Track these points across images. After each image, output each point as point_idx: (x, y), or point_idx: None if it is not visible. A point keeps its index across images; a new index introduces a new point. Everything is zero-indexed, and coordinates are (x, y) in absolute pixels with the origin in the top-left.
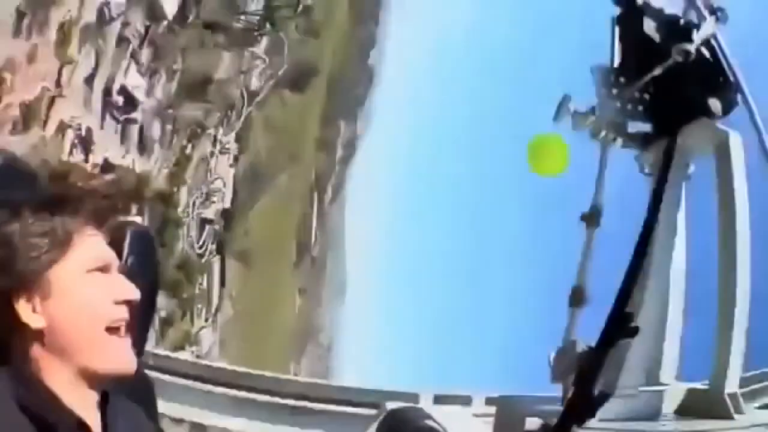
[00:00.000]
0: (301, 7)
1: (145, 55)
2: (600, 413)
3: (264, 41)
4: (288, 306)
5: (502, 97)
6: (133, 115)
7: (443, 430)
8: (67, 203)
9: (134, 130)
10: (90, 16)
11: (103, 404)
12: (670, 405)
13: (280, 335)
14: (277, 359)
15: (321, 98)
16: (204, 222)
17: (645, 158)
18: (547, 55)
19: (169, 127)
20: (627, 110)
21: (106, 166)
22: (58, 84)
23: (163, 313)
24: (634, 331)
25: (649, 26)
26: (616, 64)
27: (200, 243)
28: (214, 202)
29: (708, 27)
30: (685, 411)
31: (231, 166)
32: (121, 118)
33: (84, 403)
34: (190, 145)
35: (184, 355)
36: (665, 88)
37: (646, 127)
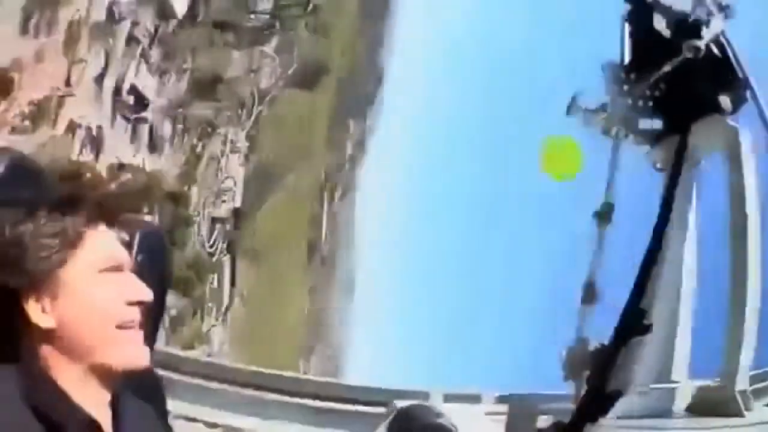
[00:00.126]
0: (310, 5)
1: (155, 54)
2: (612, 411)
3: (274, 40)
4: (298, 304)
5: (512, 94)
6: (144, 114)
7: (454, 428)
8: (78, 203)
9: (144, 129)
10: (99, 15)
11: (114, 403)
12: (681, 402)
13: (289, 333)
14: (286, 358)
15: (330, 97)
16: (214, 221)
17: (656, 154)
18: (559, 52)
19: (179, 126)
20: (638, 107)
21: (117, 166)
22: (67, 83)
23: (173, 312)
24: (648, 329)
25: (659, 23)
26: (626, 61)
27: (211, 242)
28: (224, 201)
29: (717, 23)
30: (695, 408)
31: (241, 165)
32: (132, 118)
33: (95, 402)
34: (200, 145)
35: (195, 354)
36: (675, 84)
37: (656, 123)
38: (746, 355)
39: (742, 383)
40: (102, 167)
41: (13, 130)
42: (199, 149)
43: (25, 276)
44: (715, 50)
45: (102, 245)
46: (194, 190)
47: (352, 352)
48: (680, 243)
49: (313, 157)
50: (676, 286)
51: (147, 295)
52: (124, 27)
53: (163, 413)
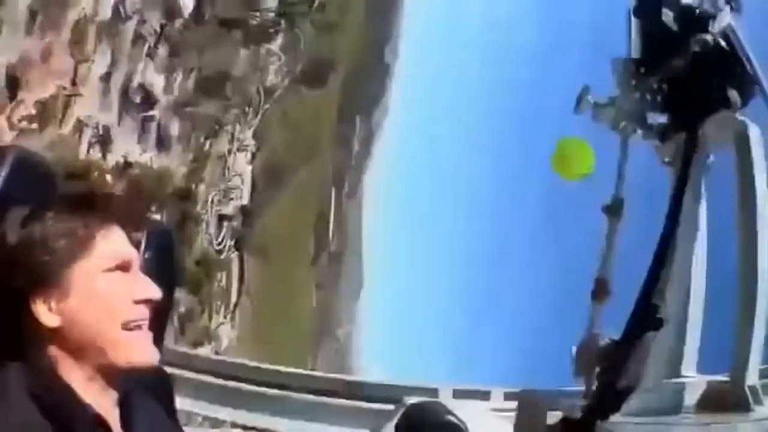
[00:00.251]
0: (316, 3)
1: (161, 52)
2: (622, 407)
3: (280, 38)
4: (305, 301)
5: (521, 92)
6: (151, 112)
7: (464, 425)
8: (86, 202)
9: (152, 127)
10: (105, 13)
11: (123, 401)
12: (691, 397)
13: (297, 330)
14: (294, 354)
15: (337, 94)
16: (222, 219)
17: (665, 149)
18: (566, 49)
19: (187, 124)
20: (646, 101)
21: (125, 164)
22: (73, 82)
23: (182, 310)
24: (660, 323)
25: (667, 16)
26: (634, 55)
27: (219, 240)
28: (232, 198)
29: (724, 17)
30: (705, 403)
31: (249, 163)
32: (139, 116)
33: (102, 400)
34: (207, 143)
35: (203, 351)
36: (684, 79)
37: (664, 118)
38: (755, 351)
39: (751, 378)
40: (110, 166)
41: (21, 131)
42: (206, 147)
43: (32, 275)
44: (723, 44)
45: (110, 244)
46: (202, 188)
47: (360, 349)
48: (689, 239)
49: (320, 155)
50: (685, 282)
51: (155, 293)
52: (131, 25)
53: (172, 411)
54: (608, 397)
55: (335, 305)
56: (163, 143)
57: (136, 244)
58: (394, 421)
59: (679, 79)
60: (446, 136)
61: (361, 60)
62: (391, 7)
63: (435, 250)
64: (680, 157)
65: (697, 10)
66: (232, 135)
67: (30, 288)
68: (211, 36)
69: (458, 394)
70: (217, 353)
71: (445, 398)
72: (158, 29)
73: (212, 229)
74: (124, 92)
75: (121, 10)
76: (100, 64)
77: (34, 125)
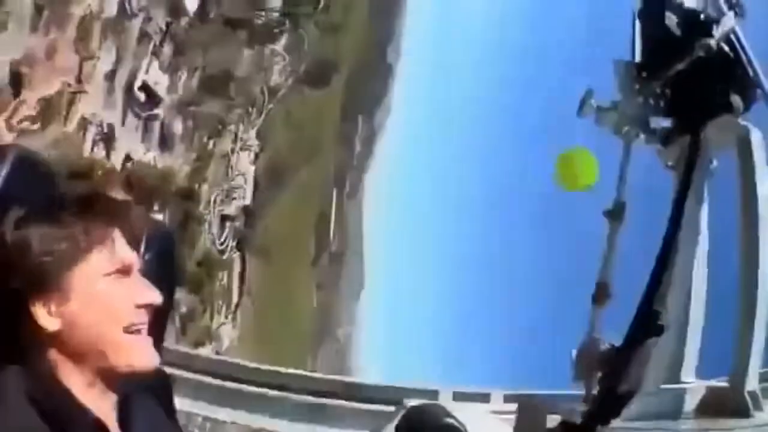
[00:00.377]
0: (321, 4)
1: (166, 51)
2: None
3: (284, 38)
4: (306, 301)
5: (523, 92)
6: (155, 111)
7: (464, 427)
8: (87, 204)
9: (156, 126)
10: (111, 10)
11: (122, 403)
12: (690, 402)
13: (298, 330)
14: (295, 355)
15: (340, 95)
16: (225, 219)
17: (667, 153)
18: (570, 49)
19: (190, 123)
20: (649, 105)
21: (128, 163)
22: (78, 79)
23: (183, 309)
24: (662, 330)
25: (671, 20)
26: (638, 59)
27: (221, 240)
28: (235, 198)
29: (727, 21)
30: (705, 408)
31: (251, 162)
32: (143, 115)
33: (102, 404)
34: (211, 142)
35: (204, 351)
36: (687, 83)
37: (667, 122)
38: (755, 355)
39: (751, 384)
40: (113, 164)
41: (23, 130)
42: (210, 147)
43: (29, 277)
44: (726, 49)
45: (110, 248)
46: (204, 187)
47: (360, 349)
48: (691, 242)
49: (322, 155)
50: (686, 286)
51: (155, 297)
52: (136, 23)
53: (172, 412)
54: (609, 402)
55: (336, 305)
56: (166, 142)
57: (137, 246)
58: (394, 423)
59: (682, 84)
60: (448, 136)
61: (364, 60)
62: (394, 8)
63: (436, 250)
64: (683, 161)
65: (701, 15)
66: (236, 134)
67: (29, 291)
68: (216, 35)
69: (458, 397)
70: (218, 353)
71: (445, 400)
72: (164, 27)
73: (215, 229)
74: (128, 90)
75: (127, 7)
76: (105, 62)
77: (35, 126)
